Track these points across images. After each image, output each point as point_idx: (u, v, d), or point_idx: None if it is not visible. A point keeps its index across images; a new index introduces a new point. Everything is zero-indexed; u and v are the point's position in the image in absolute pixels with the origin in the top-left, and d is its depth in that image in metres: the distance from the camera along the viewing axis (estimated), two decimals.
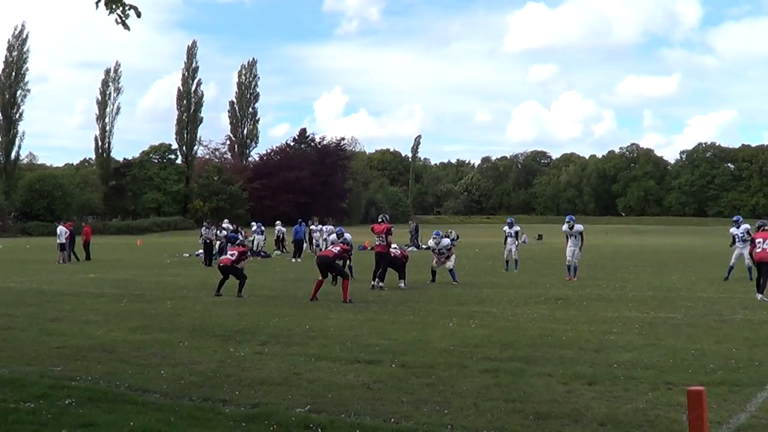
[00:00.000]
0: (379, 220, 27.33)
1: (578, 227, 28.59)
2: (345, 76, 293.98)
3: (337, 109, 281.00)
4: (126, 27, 10.55)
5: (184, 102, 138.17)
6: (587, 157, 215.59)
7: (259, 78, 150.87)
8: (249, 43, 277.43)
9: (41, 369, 12.09)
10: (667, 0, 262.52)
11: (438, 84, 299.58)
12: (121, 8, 10.41)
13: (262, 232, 51.79)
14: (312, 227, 49.71)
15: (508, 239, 35.26)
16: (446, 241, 29.17)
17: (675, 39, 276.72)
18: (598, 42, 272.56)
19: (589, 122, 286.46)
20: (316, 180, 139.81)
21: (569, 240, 28.63)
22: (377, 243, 26.57)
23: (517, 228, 36.13)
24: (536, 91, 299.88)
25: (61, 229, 45.01)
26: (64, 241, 44.27)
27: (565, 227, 28.87)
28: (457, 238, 30.38)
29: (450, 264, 28.30)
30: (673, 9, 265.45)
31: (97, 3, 10.42)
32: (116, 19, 10.46)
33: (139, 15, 10.50)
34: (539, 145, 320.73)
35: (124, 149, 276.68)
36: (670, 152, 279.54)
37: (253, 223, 54.92)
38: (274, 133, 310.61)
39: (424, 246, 54.14)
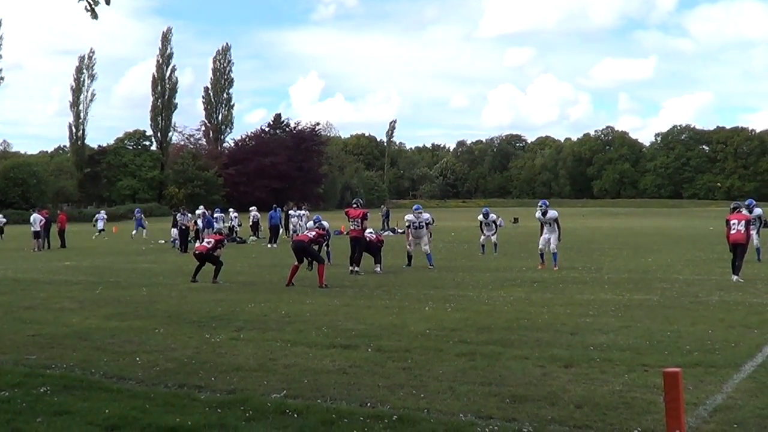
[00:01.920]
0: (354, 204, 27.28)
1: (552, 214, 27.19)
2: (321, 61, 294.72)
3: (313, 94, 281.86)
4: (94, 15, 10.41)
5: (159, 88, 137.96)
6: (562, 141, 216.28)
7: (233, 63, 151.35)
8: (225, 28, 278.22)
9: (16, 357, 12.01)
10: None
11: (414, 68, 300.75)
12: None
13: (221, 221, 51.26)
14: (291, 212, 49.64)
15: (485, 228, 35.20)
16: (426, 215, 29.11)
17: (651, 22, 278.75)
18: (574, 25, 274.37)
19: (565, 105, 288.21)
20: (291, 165, 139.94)
21: (544, 227, 27.33)
22: (352, 228, 26.51)
23: (493, 217, 36.09)
24: (512, 75, 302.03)
25: (35, 216, 44.89)
26: (38, 228, 44.11)
27: (538, 214, 27.60)
28: (433, 222, 30.20)
29: (426, 247, 28.25)
30: None
31: None
32: (85, 7, 10.34)
33: (108, 2, 10.38)
34: (515, 129, 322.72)
35: (100, 136, 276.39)
36: (645, 135, 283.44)
37: (218, 209, 54.43)
38: (250, 119, 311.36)
39: (399, 230, 54.18)
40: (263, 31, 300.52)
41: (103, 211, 67.87)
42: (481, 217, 35.67)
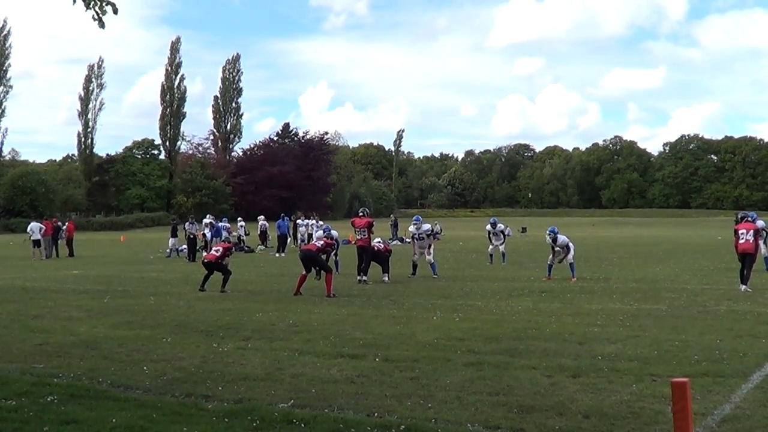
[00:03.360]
0: (360, 214, 27.23)
1: (562, 240, 26.72)
2: (331, 70, 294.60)
3: (322, 103, 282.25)
4: (101, 24, 10.42)
5: (168, 97, 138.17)
6: (571, 150, 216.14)
7: (242, 73, 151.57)
8: (236, 38, 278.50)
9: (23, 366, 12.02)
10: None
11: (424, 78, 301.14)
12: (98, 4, 10.28)
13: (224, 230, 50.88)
14: (298, 222, 49.73)
15: (493, 238, 35.23)
16: (426, 226, 29.11)
17: (661, 32, 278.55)
18: (584, 35, 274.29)
19: (574, 115, 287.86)
20: (299, 174, 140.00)
21: (555, 249, 26.95)
22: (359, 237, 26.50)
23: (501, 227, 36.10)
24: (522, 85, 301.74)
25: (33, 225, 45.05)
26: (38, 237, 44.19)
27: (548, 240, 27.10)
28: (441, 231, 30.12)
29: (430, 257, 28.20)
30: (659, 2, 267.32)
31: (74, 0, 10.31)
32: (93, 16, 10.35)
33: (116, 11, 10.39)
34: (524, 138, 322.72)
35: (109, 145, 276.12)
36: (654, 145, 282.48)
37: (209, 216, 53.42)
38: (259, 128, 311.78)
39: (407, 240, 54.22)
40: (274, 40, 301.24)
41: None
42: (489, 227, 35.72)
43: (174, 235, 45.30)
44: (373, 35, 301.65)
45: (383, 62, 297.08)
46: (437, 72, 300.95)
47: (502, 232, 35.89)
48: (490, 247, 35.36)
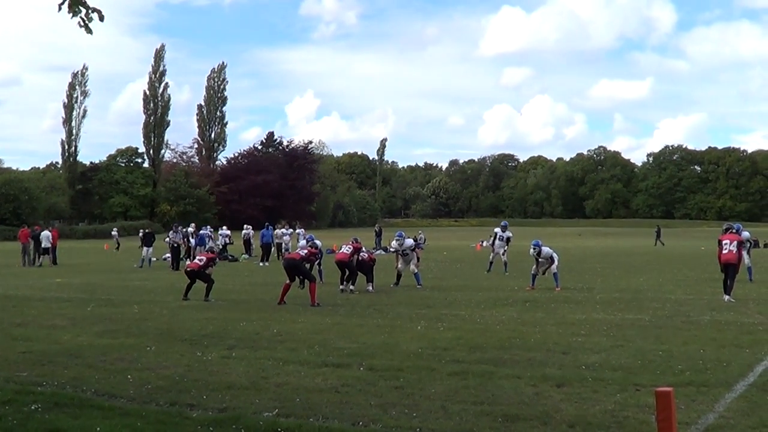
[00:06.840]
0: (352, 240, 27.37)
1: (546, 252, 26.75)
2: (317, 79, 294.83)
3: (309, 112, 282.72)
4: (88, 30, 10.41)
5: (151, 105, 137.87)
6: (555, 160, 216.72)
7: (227, 82, 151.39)
8: (224, 46, 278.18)
9: (6, 374, 11.96)
10: (642, 5, 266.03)
11: (411, 88, 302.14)
12: (84, 11, 10.27)
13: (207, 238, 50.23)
14: (282, 231, 49.59)
15: (497, 242, 35.29)
16: (409, 241, 29.07)
17: (648, 43, 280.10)
18: (572, 46, 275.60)
19: (560, 125, 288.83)
20: (284, 184, 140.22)
21: (539, 261, 26.97)
22: (341, 251, 26.43)
23: (509, 234, 36.12)
24: (509, 95, 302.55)
25: (45, 233, 44.78)
26: (48, 245, 44.07)
27: (532, 252, 27.05)
28: (425, 241, 30.11)
29: (413, 267, 28.19)
30: (648, 14, 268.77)
31: (60, 6, 10.30)
32: (79, 23, 10.34)
33: (102, 18, 10.37)
34: (511, 149, 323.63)
35: (94, 153, 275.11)
36: (640, 155, 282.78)
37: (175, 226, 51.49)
38: (246, 136, 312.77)
39: (391, 249, 54.21)
40: (262, 49, 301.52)
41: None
42: (498, 229, 35.93)
43: (148, 244, 44.31)
44: (361, 45, 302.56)
45: (371, 72, 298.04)
46: (425, 82, 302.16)
47: (509, 239, 35.89)
48: (492, 254, 35.48)
